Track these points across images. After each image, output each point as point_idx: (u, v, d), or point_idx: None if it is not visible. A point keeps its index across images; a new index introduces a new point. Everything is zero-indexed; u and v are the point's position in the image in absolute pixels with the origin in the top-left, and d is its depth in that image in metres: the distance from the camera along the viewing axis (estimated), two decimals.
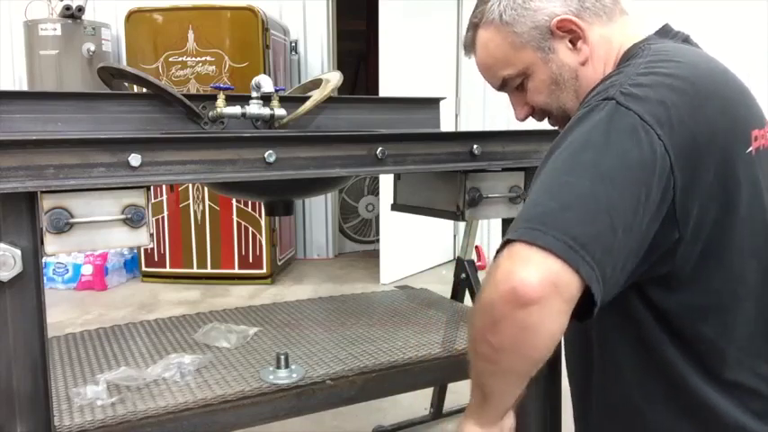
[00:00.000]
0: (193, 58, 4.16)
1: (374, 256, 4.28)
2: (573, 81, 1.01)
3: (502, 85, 1.07)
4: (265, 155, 1.24)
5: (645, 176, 0.79)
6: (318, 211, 5.06)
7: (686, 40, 1.02)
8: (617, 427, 0.98)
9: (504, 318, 0.76)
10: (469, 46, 1.08)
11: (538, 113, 1.08)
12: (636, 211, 0.78)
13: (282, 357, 1.43)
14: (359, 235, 5.26)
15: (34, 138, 1.08)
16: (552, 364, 1.57)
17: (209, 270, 4.35)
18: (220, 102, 1.63)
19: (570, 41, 0.99)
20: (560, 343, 1.07)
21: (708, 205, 0.83)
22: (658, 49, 0.94)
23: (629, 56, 0.97)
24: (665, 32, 1.02)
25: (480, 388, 0.92)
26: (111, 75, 1.69)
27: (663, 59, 0.90)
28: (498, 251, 0.79)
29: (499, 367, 0.84)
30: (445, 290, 2.16)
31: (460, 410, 2.48)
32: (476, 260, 2.07)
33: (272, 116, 1.68)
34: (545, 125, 1.14)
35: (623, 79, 0.87)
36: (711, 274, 0.87)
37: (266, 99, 1.68)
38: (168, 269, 4.37)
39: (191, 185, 4.19)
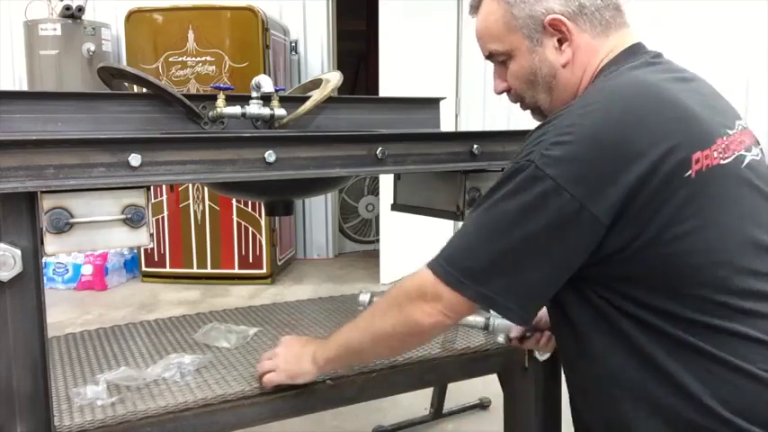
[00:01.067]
0: (193, 58, 4.16)
1: (374, 256, 4.28)
2: (550, 78, 1.07)
3: (488, 56, 1.14)
4: (265, 155, 1.24)
5: (557, 237, 0.91)
6: (318, 211, 5.06)
7: (651, 62, 1.04)
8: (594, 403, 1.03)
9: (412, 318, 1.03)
10: (474, 8, 1.14)
11: (513, 95, 1.14)
12: (552, 266, 0.94)
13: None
14: (359, 235, 5.26)
15: (34, 138, 1.08)
16: (552, 364, 1.57)
17: (209, 270, 4.35)
18: (220, 102, 1.63)
19: (558, 41, 1.05)
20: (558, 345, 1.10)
21: (648, 227, 0.90)
22: (599, 90, 1.00)
23: (591, 81, 1.05)
24: (635, 51, 1.05)
25: (350, 350, 1.18)
26: (111, 75, 1.69)
27: (592, 106, 0.95)
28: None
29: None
30: None
31: (460, 410, 2.49)
32: None
33: (272, 116, 1.68)
34: None
35: (549, 137, 0.92)
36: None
37: (266, 99, 1.68)
38: (168, 269, 4.37)
39: (191, 185, 4.19)
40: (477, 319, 1.36)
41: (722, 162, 0.94)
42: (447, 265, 0.97)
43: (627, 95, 0.96)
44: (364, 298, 1.29)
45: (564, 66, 1.05)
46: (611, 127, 0.91)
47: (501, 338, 1.32)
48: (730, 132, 0.98)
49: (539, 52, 1.06)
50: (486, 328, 1.36)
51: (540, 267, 0.94)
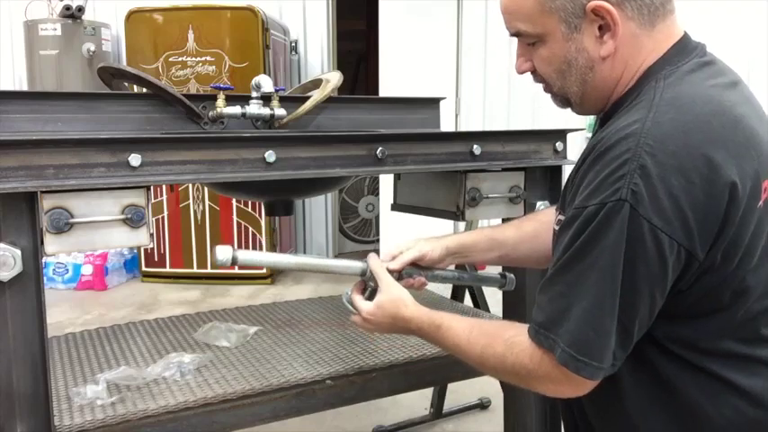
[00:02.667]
0: (193, 58, 4.16)
1: None
2: (586, 71, 0.95)
3: (515, 35, 0.99)
4: (265, 155, 1.24)
5: (657, 277, 0.84)
6: (318, 211, 5.06)
7: (704, 63, 0.95)
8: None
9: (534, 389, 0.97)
10: None
11: (538, 77, 1.02)
12: (652, 303, 0.86)
13: None
14: (359, 235, 5.25)
15: (34, 138, 1.08)
16: None
17: (209, 270, 4.35)
18: (220, 102, 1.63)
19: (599, 28, 0.91)
20: None
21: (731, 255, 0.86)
22: (668, 102, 0.88)
23: (641, 87, 0.93)
24: (684, 48, 0.95)
25: (450, 350, 1.06)
26: (111, 75, 1.69)
27: (669, 125, 0.85)
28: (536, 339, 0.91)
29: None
30: (445, 290, 2.17)
31: (460, 410, 2.49)
32: None
33: (272, 116, 1.68)
34: (544, 125, 1.14)
35: (633, 168, 0.82)
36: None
37: (266, 99, 1.68)
38: (168, 269, 4.37)
39: (191, 185, 4.19)
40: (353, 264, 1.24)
41: None
42: (576, 353, 0.86)
43: (703, 115, 0.86)
44: (347, 296, 1.24)
45: (604, 58, 0.93)
46: (695, 154, 0.83)
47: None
48: None
49: (576, 40, 0.92)
50: (363, 274, 1.22)
51: (644, 312, 0.86)
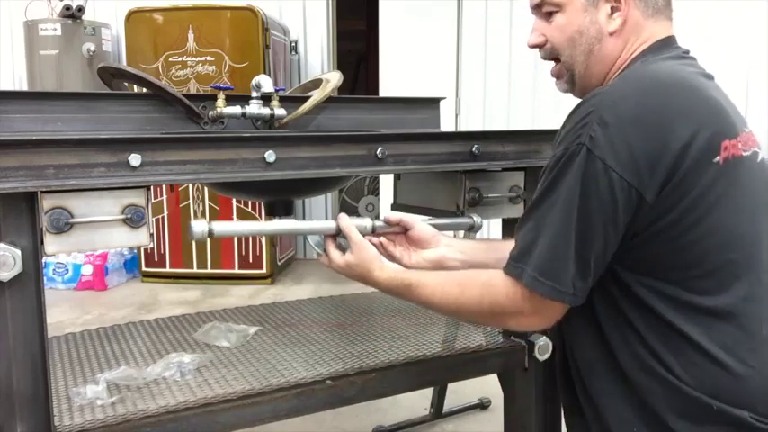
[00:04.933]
0: (193, 58, 4.16)
1: None
2: (595, 42, 1.09)
3: (536, 6, 1.13)
4: (265, 155, 1.24)
5: (609, 212, 0.94)
6: (318, 211, 5.06)
7: (683, 57, 1.09)
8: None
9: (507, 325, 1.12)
10: None
11: (546, 51, 1.15)
12: (606, 239, 0.96)
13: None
14: None
15: (34, 138, 1.08)
16: (552, 366, 1.57)
17: (209, 270, 4.35)
18: (220, 102, 1.63)
19: (611, 8, 1.07)
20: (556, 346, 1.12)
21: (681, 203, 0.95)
22: (639, 74, 1.04)
23: (627, 67, 1.08)
24: (668, 44, 1.09)
25: (424, 304, 1.14)
26: (111, 75, 1.69)
27: (634, 87, 0.99)
28: (511, 273, 1.02)
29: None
30: None
31: (460, 410, 2.49)
32: None
33: (272, 116, 1.68)
34: (544, 125, 1.14)
35: (594, 117, 0.95)
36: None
37: (266, 99, 1.68)
38: (168, 269, 4.37)
39: (191, 185, 4.19)
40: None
41: (744, 154, 0.99)
42: (540, 277, 0.98)
43: (666, 83, 1.00)
44: (316, 240, 1.26)
45: (611, 34, 1.08)
46: (651, 110, 0.95)
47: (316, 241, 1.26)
48: (746, 130, 1.04)
49: (592, 12, 1.08)
50: (337, 234, 1.25)
51: (598, 245, 0.96)
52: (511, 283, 1.02)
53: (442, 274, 1.15)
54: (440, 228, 1.38)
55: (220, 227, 1.17)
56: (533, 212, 1.00)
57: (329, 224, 1.24)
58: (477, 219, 1.44)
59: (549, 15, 1.12)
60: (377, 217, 1.34)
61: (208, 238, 1.15)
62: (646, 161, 0.93)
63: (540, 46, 1.15)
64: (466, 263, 1.30)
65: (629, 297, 1.00)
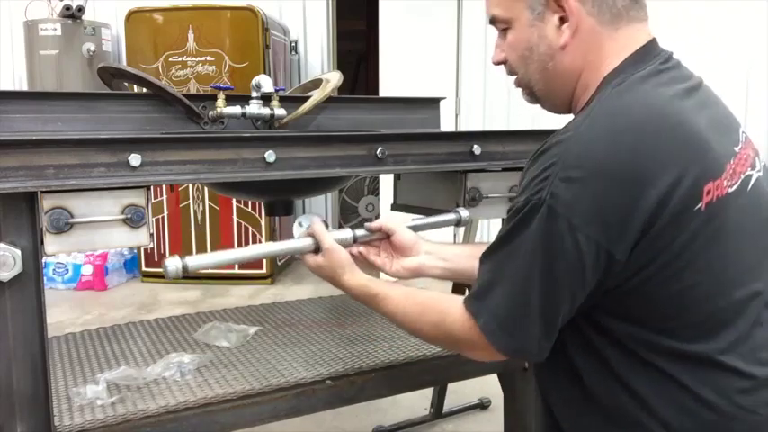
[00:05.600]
0: (193, 58, 4.16)
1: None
2: (547, 59, 0.99)
3: (491, 21, 1.05)
4: (265, 155, 1.24)
5: (576, 274, 0.87)
6: (318, 211, 5.06)
7: (661, 70, 0.96)
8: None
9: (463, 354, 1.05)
10: None
11: (508, 67, 1.07)
12: (573, 299, 0.90)
13: None
14: None
15: (34, 138, 1.08)
16: None
17: (209, 270, 4.35)
18: (220, 102, 1.63)
19: (560, 19, 0.96)
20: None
21: (661, 256, 0.87)
22: (607, 112, 0.91)
23: (596, 96, 0.95)
24: (645, 55, 0.97)
25: (387, 316, 1.14)
26: (111, 75, 1.69)
27: (601, 132, 0.88)
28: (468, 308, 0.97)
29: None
30: (445, 289, 2.16)
31: (460, 410, 2.49)
32: None
33: (272, 116, 1.68)
34: (544, 125, 1.14)
35: (557, 170, 0.86)
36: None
37: (266, 99, 1.68)
38: None
39: (191, 185, 4.19)
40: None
41: (730, 191, 0.91)
42: (498, 330, 0.93)
43: (640, 123, 0.88)
44: (299, 231, 1.27)
45: (563, 48, 0.97)
46: (622, 160, 0.85)
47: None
48: (737, 150, 0.95)
49: (539, 27, 0.98)
50: (316, 250, 1.25)
51: (565, 307, 0.91)
52: (467, 318, 0.97)
53: (408, 292, 1.12)
54: (425, 227, 1.38)
55: (194, 261, 1.15)
56: (494, 252, 0.95)
57: (306, 242, 1.24)
58: (463, 213, 1.42)
59: (504, 32, 1.04)
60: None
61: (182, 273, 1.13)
62: (616, 219, 0.85)
63: (502, 63, 1.07)
64: (448, 270, 1.28)
65: (609, 338, 0.93)
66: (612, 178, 0.85)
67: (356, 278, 1.19)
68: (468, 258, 1.25)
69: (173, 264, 1.12)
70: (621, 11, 0.96)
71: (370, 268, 1.27)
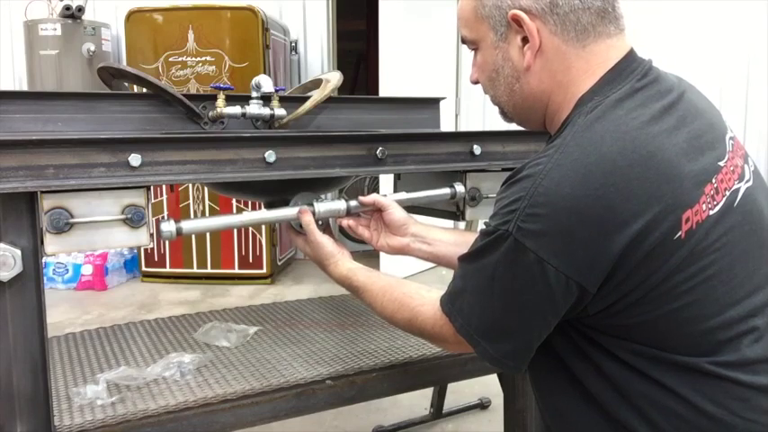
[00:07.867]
0: (193, 58, 4.16)
1: (374, 255, 4.28)
2: (512, 80, 0.98)
3: (462, 41, 1.05)
4: (265, 155, 1.24)
5: (545, 304, 0.87)
6: None
7: (637, 88, 0.91)
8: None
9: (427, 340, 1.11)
10: None
11: (482, 86, 1.08)
12: (545, 321, 0.91)
13: None
14: None
15: (34, 138, 1.08)
16: None
17: (209, 270, 4.35)
18: (220, 102, 1.63)
19: (522, 40, 0.94)
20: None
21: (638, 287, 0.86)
22: (577, 143, 0.87)
23: (570, 119, 0.92)
24: (620, 73, 0.93)
25: (359, 294, 1.22)
26: (111, 75, 1.69)
27: (570, 167, 0.85)
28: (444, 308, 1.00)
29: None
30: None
31: (460, 410, 2.49)
32: None
33: (272, 116, 1.68)
34: None
35: (524, 204, 0.85)
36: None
37: (266, 99, 1.68)
38: (168, 269, 4.37)
39: (191, 185, 4.19)
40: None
41: (711, 213, 0.87)
42: (476, 334, 0.94)
43: (609, 155, 0.84)
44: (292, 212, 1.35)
45: (527, 69, 0.95)
46: (592, 196, 0.82)
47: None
48: (722, 164, 0.91)
49: (503, 49, 0.96)
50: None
51: (536, 328, 0.91)
52: (440, 316, 1.00)
53: (386, 287, 1.17)
54: (419, 200, 1.46)
55: (189, 224, 1.22)
56: (466, 262, 0.96)
57: (293, 211, 1.35)
58: (458, 187, 1.47)
59: (475, 52, 1.03)
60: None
61: (176, 236, 1.19)
62: (585, 255, 0.83)
63: (477, 83, 1.08)
64: (431, 254, 1.35)
65: (603, 351, 0.92)
66: (581, 215, 0.83)
67: (339, 269, 1.26)
68: (452, 246, 1.31)
69: (167, 226, 1.18)
70: (588, 27, 0.92)
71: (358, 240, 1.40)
